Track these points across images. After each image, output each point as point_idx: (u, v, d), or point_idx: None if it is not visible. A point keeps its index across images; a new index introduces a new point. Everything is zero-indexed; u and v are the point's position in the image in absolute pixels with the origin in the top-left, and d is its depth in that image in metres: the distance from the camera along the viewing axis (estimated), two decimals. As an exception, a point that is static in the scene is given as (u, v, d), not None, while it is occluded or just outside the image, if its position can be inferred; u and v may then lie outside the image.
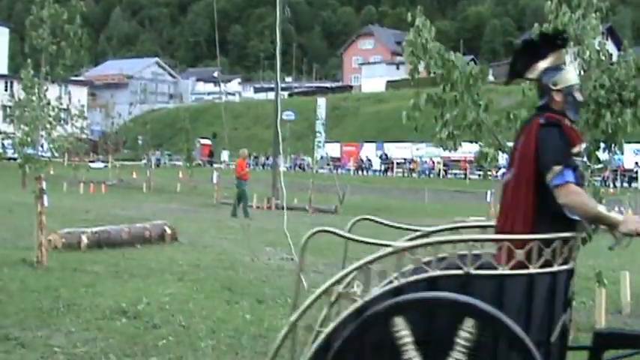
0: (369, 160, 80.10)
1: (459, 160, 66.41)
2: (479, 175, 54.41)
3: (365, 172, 76.04)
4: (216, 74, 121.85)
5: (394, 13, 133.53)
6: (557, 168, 4.76)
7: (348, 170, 75.89)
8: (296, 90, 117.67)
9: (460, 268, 4.67)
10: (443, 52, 9.06)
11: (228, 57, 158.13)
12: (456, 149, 9.39)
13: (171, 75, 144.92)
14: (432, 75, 9.14)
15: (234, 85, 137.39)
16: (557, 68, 5.13)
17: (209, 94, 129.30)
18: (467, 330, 4.51)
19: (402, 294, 4.63)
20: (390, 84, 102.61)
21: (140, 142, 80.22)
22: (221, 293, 11.26)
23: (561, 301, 4.90)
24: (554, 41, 5.25)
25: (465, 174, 64.45)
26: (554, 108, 5.06)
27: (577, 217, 4.87)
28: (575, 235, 4.88)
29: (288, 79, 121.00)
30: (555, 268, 4.74)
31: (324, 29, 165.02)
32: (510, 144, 9.43)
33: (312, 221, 26.17)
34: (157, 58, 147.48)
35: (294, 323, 4.95)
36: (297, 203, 31.07)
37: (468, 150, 12.18)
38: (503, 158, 9.63)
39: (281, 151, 31.68)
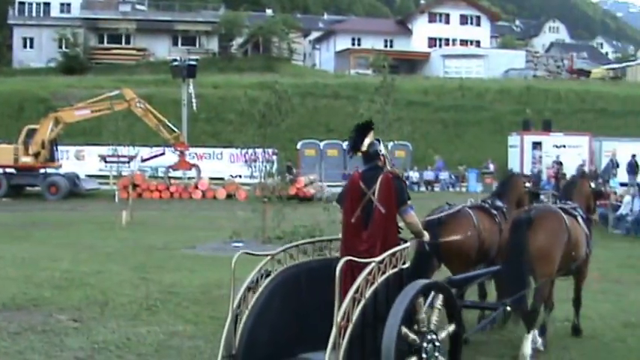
0: None
1: None
2: None
3: None
4: None
5: None
6: (409, 202, 7.05)
7: None
8: None
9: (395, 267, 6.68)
10: None
11: None
12: None
13: None
14: None
15: None
16: (375, 143, 7.21)
17: None
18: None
19: (377, 288, 6.45)
20: None
21: None
22: None
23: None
24: (369, 126, 7.29)
25: None
26: (381, 166, 7.18)
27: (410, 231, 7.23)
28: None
29: None
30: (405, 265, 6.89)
31: None
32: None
33: None
34: None
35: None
36: None
37: None
38: None
39: None
